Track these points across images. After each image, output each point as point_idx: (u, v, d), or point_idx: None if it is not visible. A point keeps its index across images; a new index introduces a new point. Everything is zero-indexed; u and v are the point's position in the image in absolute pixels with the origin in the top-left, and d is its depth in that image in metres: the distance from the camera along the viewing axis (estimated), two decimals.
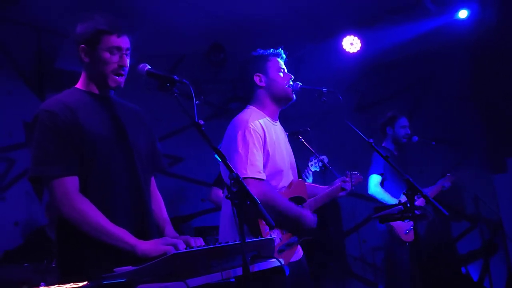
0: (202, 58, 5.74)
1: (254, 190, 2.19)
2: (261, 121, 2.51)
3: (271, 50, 2.69)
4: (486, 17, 5.27)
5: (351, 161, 5.83)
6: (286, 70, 2.70)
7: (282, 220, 2.43)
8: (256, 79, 2.62)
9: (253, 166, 2.34)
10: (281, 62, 2.70)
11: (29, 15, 4.73)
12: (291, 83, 2.63)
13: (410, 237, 3.95)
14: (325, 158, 3.89)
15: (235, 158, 2.36)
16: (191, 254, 1.51)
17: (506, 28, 5.11)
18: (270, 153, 2.47)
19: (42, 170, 1.78)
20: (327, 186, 2.85)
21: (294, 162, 2.74)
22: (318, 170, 3.88)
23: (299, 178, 2.82)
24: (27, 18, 4.78)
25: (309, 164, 3.85)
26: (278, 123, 2.71)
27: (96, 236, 1.75)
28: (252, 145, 2.37)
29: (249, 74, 2.64)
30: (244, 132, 2.42)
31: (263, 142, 2.45)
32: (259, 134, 2.43)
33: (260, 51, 2.69)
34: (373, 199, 4.26)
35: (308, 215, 2.51)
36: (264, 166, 2.45)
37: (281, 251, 2.41)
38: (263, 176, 2.39)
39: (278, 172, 2.52)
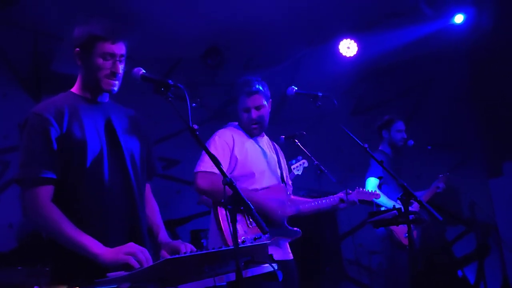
0: (199, 61, 5.74)
1: (202, 181, 2.49)
2: (233, 133, 2.70)
3: (246, 87, 2.71)
4: (482, 21, 5.29)
5: (348, 165, 5.83)
6: (257, 104, 2.69)
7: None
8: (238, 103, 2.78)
9: (206, 163, 2.51)
10: (253, 99, 2.69)
11: (26, 17, 4.72)
12: (253, 123, 2.70)
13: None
14: (305, 163, 3.86)
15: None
16: (183, 260, 1.51)
17: (502, 32, 5.13)
18: (239, 158, 2.63)
19: (25, 172, 1.77)
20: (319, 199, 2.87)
21: (278, 171, 2.80)
22: (300, 174, 3.85)
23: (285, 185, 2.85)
24: (24, 20, 4.77)
25: (292, 167, 3.82)
26: (258, 138, 2.81)
27: (60, 243, 1.74)
28: (213, 148, 2.57)
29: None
30: (210, 140, 2.67)
31: (231, 148, 2.63)
32: (224, 140, 2.65)
33: (238, 85, 2.77)
34: (368, 202, 4.25)
35: (270, 201, 2.56)
36: (233, 168, 2.62)
37: (243, 241, 2.45)
38: (215, 171, 2.40)
39: (249, 175, 2.64)
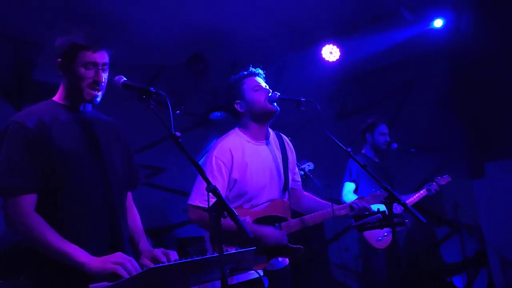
0: (183, 68, 5.73)
1: (192, 214, 2.47)
2: (233, 146, 2.57)
3: (244, 72, 2.72)
4: (461, 26, 5.39)
5: (334, 169, 5.86)
6: (264, 85, 2.71)
7: (235, 238, 2.39)
8: (237, 106, 2.68)
9: (199, 195, 2.47)
10: (258, 79, 2.72)
11: (7, 26, 4.66)
12: (270, 95, 2.64)
13: (382, 245, 4.00)
14: (311, 165, 3.89)
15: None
16: (167, 268, 1.50)
17: (481, 35, 5.23)
18: (238, 179, 2.54)
19: (6, 181, 1.75)
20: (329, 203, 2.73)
21: (282, 180, 2.70)
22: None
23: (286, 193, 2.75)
24: (5, 29, 4.72)
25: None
26: (266, 141, 2.70)
27: (46, 253, 1.71)
28: (209, 171, 2.47)
29: (230, 103, 2.71)
30: (207, 158, 2.57)
31: (229, 169, 2.53)
32: (221, 161, 2.52)
33: (234, 77, 2.73)
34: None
35: (266, 231, 2.44)
36: (231, 189, 2.54)
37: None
38: (205, 204, 2.43)
39: (242, 195, 2.56)
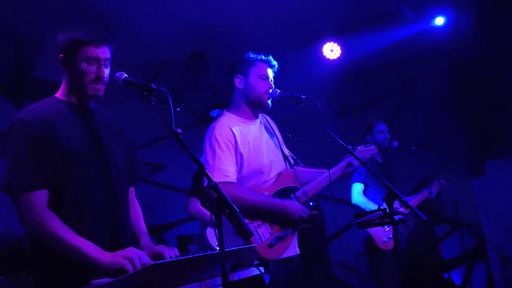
0: (183, 65, 5.73)
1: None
2: (232, 126, 2.57)
3: (262, 56, 2.73)
4: (462, 24, 5.39)
5: (334, 166, 5.86)
6: (271, 78, 2.73)
7: (265, 216, 2.46)
8: (237, 80, 2.70)
9: (220, 170, 2.42)
10: (268, 70, 2.73)
11: (7, 24, 4.66)
12: (270, 91, 2.66)
13: (389, 246, 3.99)
14: None
15: (206, 167, 2.45)
16: (168, 265, 1.50)
17: (481, 33, 5.23)
18: (245, 156, 2.53)
19: (12, 180, 1.75)
20: (325, 170, 2.75)
21: (281, 153, 2.75)
22: None
23: (292, 166, 2.79)
24: (5, 27, 4.72)
25: None
26: (257, 120, 2.74)
27: (59, 249, 1.72)
28: (218, 150, 2.47)
29: (232, 74, 2.72)
30: (211, 139, 2.52)
31: (234, 146, 2.51)
32: (226, 138, 2.51)
33: (249, 55, 2.73)
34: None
35: (290, 205, 2.48)
36: (240, 168, 2.53)
37: (271, 245, 2.42)
38: (231, 178, 2.44)
39: (256, 172, 2.56)
